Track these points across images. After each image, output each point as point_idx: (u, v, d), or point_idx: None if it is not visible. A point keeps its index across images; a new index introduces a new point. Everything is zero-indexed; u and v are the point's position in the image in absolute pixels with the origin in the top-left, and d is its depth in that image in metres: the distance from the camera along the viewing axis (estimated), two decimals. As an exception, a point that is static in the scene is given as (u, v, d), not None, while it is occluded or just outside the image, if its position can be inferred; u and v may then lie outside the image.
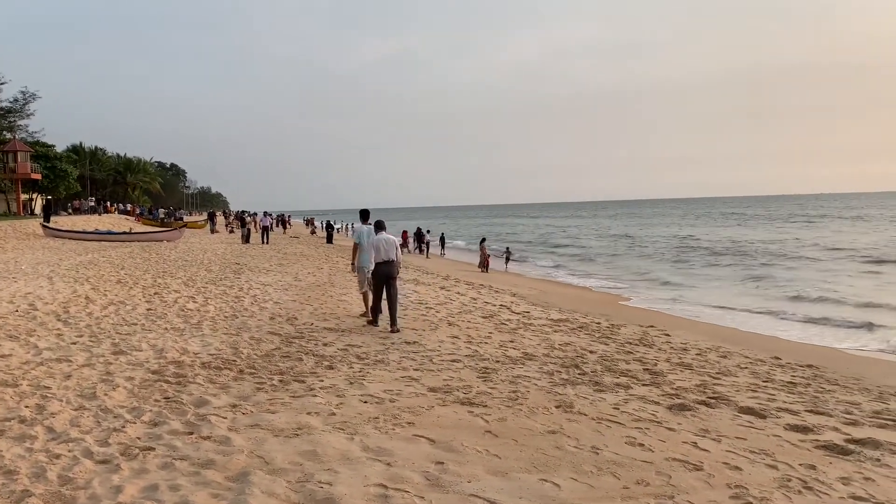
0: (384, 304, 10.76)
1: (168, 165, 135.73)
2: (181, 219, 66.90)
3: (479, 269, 29.14)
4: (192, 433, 5.24)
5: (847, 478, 4.70)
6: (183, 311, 11.70)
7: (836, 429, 5.99)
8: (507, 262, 32.69)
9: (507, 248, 34.94)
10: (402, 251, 36.41)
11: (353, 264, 11.86)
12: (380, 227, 10.92)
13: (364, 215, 12.09)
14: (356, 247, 11.61)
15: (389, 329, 10.32)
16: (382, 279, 10.57)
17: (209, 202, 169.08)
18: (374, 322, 10.79)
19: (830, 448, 5.38)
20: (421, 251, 38.92)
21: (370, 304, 11.19)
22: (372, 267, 10.65)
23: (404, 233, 41.06)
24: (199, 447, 4.92)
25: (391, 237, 10.82)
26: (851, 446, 5.41)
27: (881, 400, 7.53)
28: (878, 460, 5.13)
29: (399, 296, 10.93)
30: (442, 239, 41.83)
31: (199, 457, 4.72)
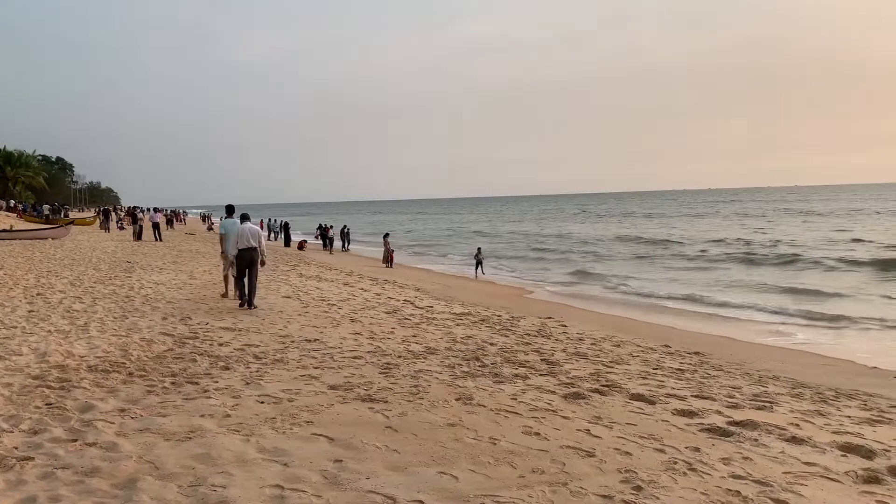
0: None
1: (54, 159, 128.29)
2: (67, 215, 63.46)
3: (384, 265, 29.05)
4: (76, 440, 4.97)
5: (728, 458, 4.96)
6: (69, 312, 11.10)
7: (719, 412, 6.32)
8: (479, 267, 26.50)
9: (479, 250, 28.30)
10: (327, 246, 34.39)
11: (223, 253, 13.40)
12: (244, 218, 12.59)
13: (229, 210, 13.56)
14: (223, 237, 13.19)
15: (248, 307, 11.92)
16: (245, 263, 12.09)
17: (99, 198, 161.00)
18: (243, 304, 12.10)
19: (713, 431, 5.67)
20: (324, 247, 38.40)
21: (232, 284, 12.94)
22: (235, 253, 12.13)
23: (327, 228, 40.18)
24: (83, 455, 4.68)
25: (254, 227, 12.57)
26: (732, 428, 5.72)
27: (760, 383, 8.01)
28: (756, 440, 5.44)
29: (259, 282, 12.63)
30: (346, 234, 41.21)
31: (84, 464, 4.48)
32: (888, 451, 5.31)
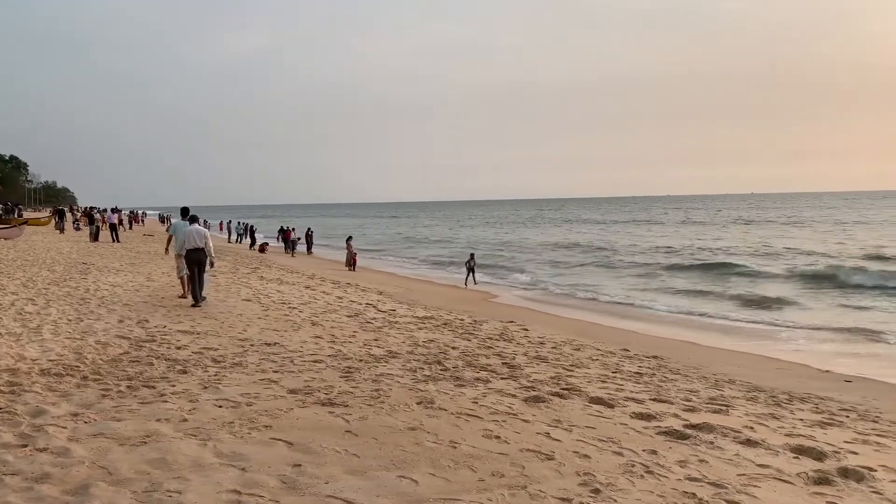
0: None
1: (7, 157, 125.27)
2: (21, 215, 61.91)
3: (347, 268, 28.91)
4: (26, 445, 4.84)
5: (684, 461, 5.04)
6: (21, 314, 10.81)
7: (676, 415, 6.41)
8: (471, 274, 24.51)
9: (472, 256, 25.68)
10: (287, 249, 34.39)
11: (166, 250, 14.15)
12: (193, 220, 13.29)
13: (184, 212, 14.07)
14: (171, 237, 13.96)
15: (197, 304, 12.45)
16: (194, 263, 12.68)
17: (55, 197, 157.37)
18: (196, 303, 12.52)
19: (671, 434, 5.75)
20: (286, 250, 38.06)
21: (188, 286, 13.27)
22: (183, 253, 12.82)
23: (288, 230, 39.77)
24: (33, 460, 4.55)
25: (202, 229, 13.24)
26: (689, 431, 5.81)
27: (716, 387, 8.16)
28: (712, 443, 5.54)
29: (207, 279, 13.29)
30: (309, 236, 40.86)
31: (34, 470, 4.37)
32: (838, 452, 5.45)
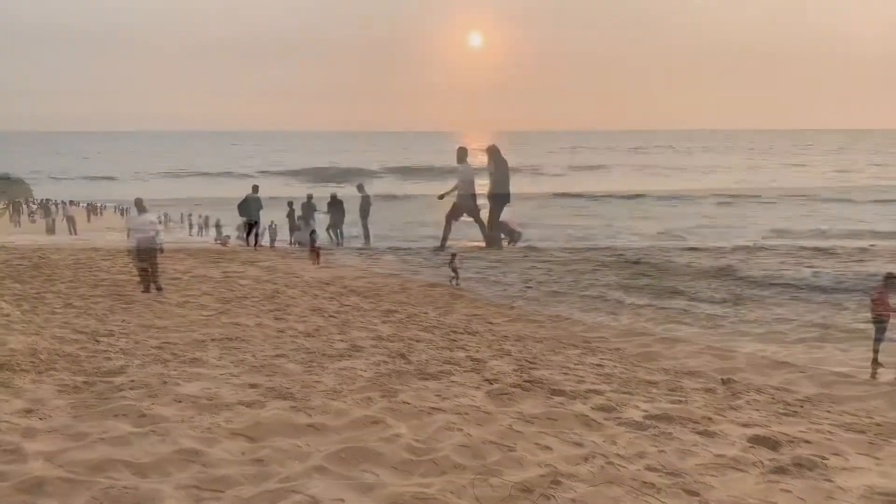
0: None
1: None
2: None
3: (311, 262, 28.67)
4: (-23, 444, 4.74)
5: (643, 451, 5.12)
6: (-28, 309, 10.54)
7: (636, 407, 6.50)
8: (455, 275, 22.07)
9: (454, 255, 23.26)
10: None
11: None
12: (142, 210, 13.78)
13: (137, 203, 14.30)
14: (130, 231, 14.19)
15: (157, 291, 12.91)
16: (144, 252, 13.15)
17: (8, 190, 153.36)
18: (147, 290, 13.00)
19: (631, 425, 5.83)
20: (248, 242, 37.55)
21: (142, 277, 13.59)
22: (134, 243, 13.31)
23: (252, 223, 39.15)
24: (-15, 459, 4.46)
25: (152, 218, 14.03)
26: (648, 422, 5.90)
27: (676, 379, 8.28)
28: (670, 434, 5.63)
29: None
30: (273, 229, 40.25)
31: (-14, 469, 4.28)
32: (792, 442, 5.58)
